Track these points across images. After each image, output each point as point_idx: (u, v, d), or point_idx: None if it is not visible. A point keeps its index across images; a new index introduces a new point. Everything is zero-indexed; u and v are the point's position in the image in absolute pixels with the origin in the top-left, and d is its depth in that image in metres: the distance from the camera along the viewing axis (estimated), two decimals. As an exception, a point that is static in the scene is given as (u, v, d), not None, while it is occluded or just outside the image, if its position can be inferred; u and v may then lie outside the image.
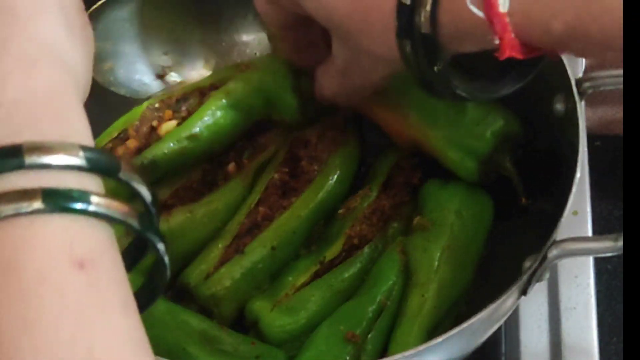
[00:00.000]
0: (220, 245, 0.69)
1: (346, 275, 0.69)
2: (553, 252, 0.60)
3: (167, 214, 0.70)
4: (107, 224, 0.32)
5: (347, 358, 0.64)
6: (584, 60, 0.84)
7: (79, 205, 0.30)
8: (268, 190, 0.72)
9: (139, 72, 0.80)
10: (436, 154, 0.71)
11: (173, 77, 0.81)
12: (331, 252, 0.69)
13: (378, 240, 0.71)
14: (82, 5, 0.37)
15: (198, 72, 0.82)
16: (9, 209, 0.29)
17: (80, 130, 0.33)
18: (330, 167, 0.73)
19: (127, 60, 0.79)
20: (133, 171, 0.34)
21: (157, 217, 0.35)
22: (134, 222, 0.32)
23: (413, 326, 0.65)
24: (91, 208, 0.31)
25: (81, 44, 0.35)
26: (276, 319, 0.66)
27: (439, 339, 0.56)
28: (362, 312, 0.66)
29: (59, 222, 0.30)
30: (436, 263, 0.67)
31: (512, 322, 0.74)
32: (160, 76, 0.81)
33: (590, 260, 0.76)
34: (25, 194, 0.29)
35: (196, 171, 0.73)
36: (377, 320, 0.66)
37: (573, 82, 0.65)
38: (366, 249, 0.70)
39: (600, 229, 0.79)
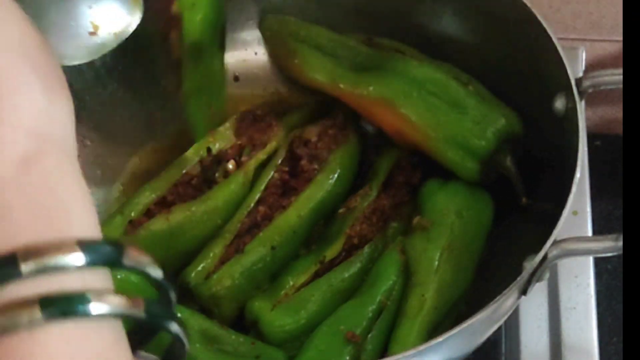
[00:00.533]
0: (220, 245, 0.69)
1: (346, 275, 0.69)
2: (553, 252, 0.60)
3: (167, 211, 0.70)
4: (113, 319, 0.31)
5: (347, 358, 0.64)
6: (584, 60, 0.84)
7: (79, 309, 0.29)
8: (268, 190, 0.72)
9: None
10: (436, 154, 0.71)
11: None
12: (331, 252, 0.69)
13: (378, 240, 0.71)
14: (49, 49, 0.34)
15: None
16: (8, 322, 0.28)
17: (79, 216, 0.31)
18: (331, 167, 0.73)
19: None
20: (139, 253, 0.32)
21: (172, 293, 0.34)
22: (141, 314, 0.31)
23: (413, 326, 0.65)
24: (93, 310, 0.30)
25: (61, 99, 0.33)
26: (276, 318, 0.66)
27: (439, 339, 0.56)
28: (362, 312, 0.66)
29: (59, 331, 0.29)
30: (436, 263, 0.67)
31: (512, 322, 0.74)
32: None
33: (590, 260, 0.76)
34: (23, 305, 0.29)
35: (194, 166, 0.73)
36: (377, 320, 0.66)
37: (573, 82, 0.65)
38: (366, 249, 0.70)
39: (600, 229, 0.79)
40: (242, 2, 0.81)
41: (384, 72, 0.73)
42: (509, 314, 0.66)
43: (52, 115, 0.32)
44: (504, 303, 0.60)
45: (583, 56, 0.84)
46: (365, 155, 0.76)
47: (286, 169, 0.73)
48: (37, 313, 0.29)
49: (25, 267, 0.29)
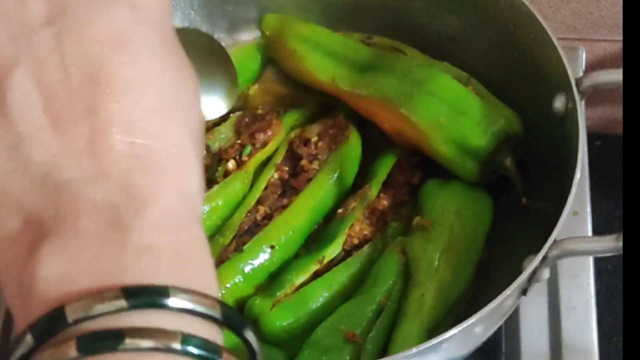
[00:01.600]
0: (219, 244, 0.69)
1: (346, 274, 0.69)
2: (553, 252, 0.60)
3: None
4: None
5: (347, 358, 0.64)
6: (584, 60, 0.84)
7: (212, 357, 0.32)
8: (268, 189, 0.72)
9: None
10: (436, 154, 0.71)
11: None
12: (331, 252, 0.69)
13: (378, 240, 0.71)
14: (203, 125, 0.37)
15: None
16: (147, 343, 0.30)
17: (212, 286, 0.34)
18: (330, 166, 0.73)
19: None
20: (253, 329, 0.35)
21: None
22: (218, 316, 0.33)
23: (413, 326, 0.65)
24: (172, 303, 0.32)
25: (201, 174, 0.36)
26: (276, 318, 0.66)
27: (439, 339, 0.56)
28: (362, 312, 0.66)
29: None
30: (436, 263, 0.67)
31: (512, 322, 0.74)
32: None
33: (590, 260, 0.76)
34: (166, 334, 0.31)
35: None
36: (377, 320, 0.66)
37: (573, 82, 0.65)
38: (366, 249, 0.70)
39: (600, 229, 0.79)
40: (242, 2, 0.81)
41: (384, 72, 0.73)
42: (509, 314, 0.66)
43: (200, 191, 0.35)
44: (504, 303, 0.60)
45: (583, 56, 0.84)
46: (365, 155, 0.76)
47: (286, 168, 0.73)
48: (177, 344, 0.31)
49: (173, 302, 0.31)
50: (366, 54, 0.75)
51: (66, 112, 0.33)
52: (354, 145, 0.75)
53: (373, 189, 0.72)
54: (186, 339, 0.31)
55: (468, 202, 0.71)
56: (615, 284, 0.82)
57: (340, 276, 0.69)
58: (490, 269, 0.69)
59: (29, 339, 0.31)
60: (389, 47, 0.76)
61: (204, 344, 0.31)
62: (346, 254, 0.70)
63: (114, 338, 0.30)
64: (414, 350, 0.56)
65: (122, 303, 0.30)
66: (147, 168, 0.33)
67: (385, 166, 0.74)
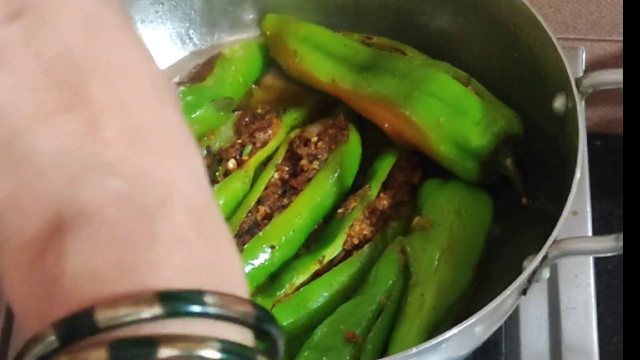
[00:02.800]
0: (220, 245, 0.69)
1: (346, 274, 0.69)
2: (553, 252, 0.60)
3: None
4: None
5: (347, 358, 0.64)
6: (584, 60, 0.84)
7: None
8: (268, 189, 0.72)
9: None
10: (436, 154, 0.71)
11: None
12: (331, 252, 0.69)
13: (378, 240, 0.71)
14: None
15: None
16: (182, 351, 0.29)
17: (243, 284, 0.33)
18: (330, 166, 0.73)
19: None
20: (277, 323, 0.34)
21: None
22: (250, 313, 0.32)
23: (413, 326, 0.65)
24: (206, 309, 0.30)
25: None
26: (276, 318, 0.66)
27: (439, 339, 0.56)
28: (362, 312, 0.66)
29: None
30: (436, 263, 0.67)
31: (512, 322, 0.74)
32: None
33: (590, 260, 0.76)
34: (201, 341, 0.29)
35: None
36: (377, 320, 0.66)
37: (573, 82, 0.65)
38: (366, 249, 0.70)
39: (600, 229, 0.79)
40: (242, 2, 0.81)
41: (384, 72, 0.73)
42: (509, 314, 0.66)
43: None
44: (504, 303, 0.60)
45: (583, 56, 0.84)
46: (365, 155, 0.76)
47: (286, 168, 0.73)
48: (214, 352, 0.29)
49: (211, 308, 0.30)
50: (366, 54, 0.75)
51: (60, 102, 0.31)
52: (353, 145, 0.75)
53: (373, 189, 0.72)
54: (223, 345, 0.29)
55: (468, 202, 0.70)
56: (615, 284, 0.82)
57: (340, 276, 0.69)
58: (490, 269, 0.69)
59: (51, 339, 0.29)
60: (389, 47, 0.76)
61: (241, 349, 0.30)
62: (346, 253, 0.70)
63: (148, 346, 0.28)
64: (414, 350, 0.56)
65: (158, 310, 0.29)
66: (159, 150, 0.31)
67: (385, 166, 0.74)
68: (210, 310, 0.29)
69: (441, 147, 0.70)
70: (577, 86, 0.65)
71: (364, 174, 0.75)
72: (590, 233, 0.77)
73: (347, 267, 0.69)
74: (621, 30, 0.83)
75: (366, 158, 0.76)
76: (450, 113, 0.70)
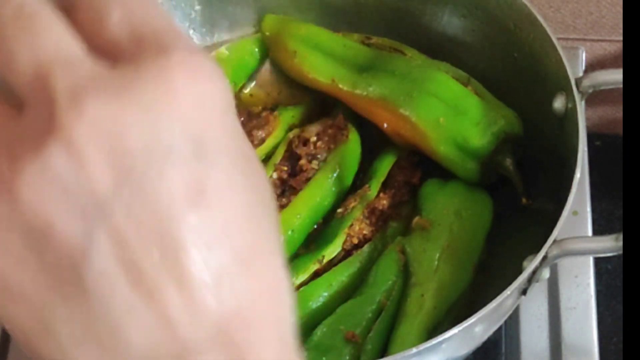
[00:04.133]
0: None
1: (346, 274, 0.69)
2: (553, 252, 0.60)
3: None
4: None
5: (347, 358, 0.64)
6: (584, 60, 0.84)
7: None
8: (267, 189, 0.72)
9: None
10: (436, 154, 0.71)
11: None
12: (330, 251, 0.69)
13: (377, 240, 0.71)
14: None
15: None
16: None
17: None
18: (330, 166, 0.73)
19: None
20: None
21: None
22: None
23: (413, 326, 0.65)
24: None
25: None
26: (276, 318, 0.66)
27: (439, 339, 0.56)
28: (362, 312, 0.66)
29: None
30: (435, 263, 0.67)
31: (512, 322, 0.74)
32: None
33: (590, 260, 0.76)
34: None
35: None
36: (377, 320, 0.66)
37: (573, 82, 0.65)
38: (365, 249, 0.70)
39: (600, 229, 0.79)
40: (242, 2, 0.81)
41: (384, 72, 0.73)
42: (509, 314, 0.66)
43: None
44: (504, 303, 0.60)
45: (583, 56, 0.84)
46: (364, 155, 0.76)
47: (285, 168, 0.73)
48: None
49: None
50: (366, 55, 0.75)
51: (154, 285, 0.29)
52: (353, 144, 0.75)
53: (372, 189, 0.72)
54: None
55: (468, 202, 0.70)
56: (615, 284, 0.82)
57: (340, 276, 0.69)
58: (490, 269, 0.69)
59: None
60: (389, 48, 0.76)
61: None
62: (346, 253, 0.70)
63: None
64: (414, 350, 0.56)
65: None
66: (248, 325, 0.30)
67: (384, 166, 0.74)
68: None
69: (441, 147, 0.70)
70: (577, 86, 0.65)
71: (363, 174, 0.75)
72: (590, 233, 0.77)
73: (347, 267, 0.69)
74: (621, 30, 0.83)
75: (366, 158, 0.76)
76: (450, 113, 0.70)
